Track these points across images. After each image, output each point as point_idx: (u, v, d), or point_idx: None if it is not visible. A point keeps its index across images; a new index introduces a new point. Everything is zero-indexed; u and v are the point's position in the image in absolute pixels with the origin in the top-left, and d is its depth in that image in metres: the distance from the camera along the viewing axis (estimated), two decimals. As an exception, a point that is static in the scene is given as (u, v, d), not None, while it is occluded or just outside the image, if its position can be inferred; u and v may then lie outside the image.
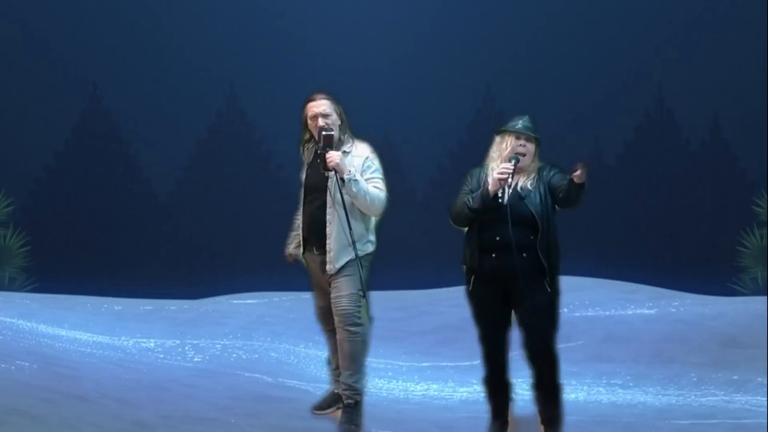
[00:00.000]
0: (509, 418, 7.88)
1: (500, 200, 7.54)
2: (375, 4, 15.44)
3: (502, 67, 15.50)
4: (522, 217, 7.55)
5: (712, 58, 15.41)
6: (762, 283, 15.19)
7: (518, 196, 7.60)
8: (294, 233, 8.18)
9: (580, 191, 7.55)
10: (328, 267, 7.84)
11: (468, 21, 15.45)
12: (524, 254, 7.51)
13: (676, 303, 12.57)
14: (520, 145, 7.67)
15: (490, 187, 7.58)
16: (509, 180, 7.54)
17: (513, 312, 7.66)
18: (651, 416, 9.77)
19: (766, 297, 12.72)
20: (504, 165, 7.60)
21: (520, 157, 7.65)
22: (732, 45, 15.38)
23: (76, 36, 15.20)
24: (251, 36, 15.34)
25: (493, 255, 7.56)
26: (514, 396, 7.91)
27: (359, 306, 7.84)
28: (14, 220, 15.09)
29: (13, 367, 9.32)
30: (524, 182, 7.67)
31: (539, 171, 7.74)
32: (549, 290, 7.57)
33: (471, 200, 7.66)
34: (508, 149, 7.69)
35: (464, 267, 7.75)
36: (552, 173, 7.72)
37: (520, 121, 7.74)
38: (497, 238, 7.55)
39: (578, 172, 7.46)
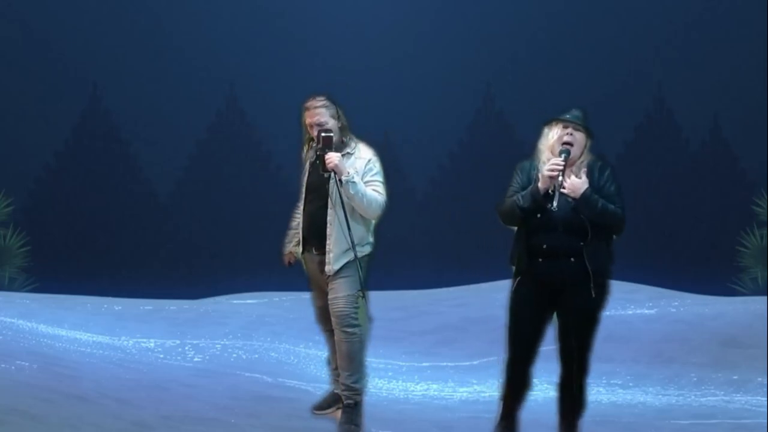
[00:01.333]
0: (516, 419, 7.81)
1: (550, 206, 7.22)
2: (375, 4, 15.44)
3: (502, 67, 15.50)
4: (571, 224, 7.27)
5: (712, 58, 15.41)
6: (762, 283, 15.19)
7: (567, 203, 7.26)
8: (293, 231, 8.16)
9: (586, 207, 7.28)
10: (326, 268, 7.83)
11: (468, 21, 15.45)
12: (572, 259, 7.27)
13: (676, 303, 12.57)
14: (568, 134, 7.35)
15: (540, 185, 7.27)
16: (560, 177, 7.24)
17: (555, 315, 7.45)
18: (651, 416, 9.77)
19: (766, 297, 12.71)
20: (554, 161, 7.27)
21: (570, 148, 7.32)
22: (732, 45, 15.38)
23: (76, 36, 15.20)
24: (251, 36, 15.34)
25: (540, 260, 7.32)
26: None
27: (356, 307, 7.83)
28: (14, 220, 15.10)
29: (13, 367, 9.32)
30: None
31: (590, 168, 7.40)
32: (594, 295, 7.39)
33: (521, 199, 7.33)
34: (555, 138, 7.37)
35: (512, 267, 7.53)
36: (605, 182, 7.39)
37: (571, 111, 7.44)
38: (544, 246, 7.29)
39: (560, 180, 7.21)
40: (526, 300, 7.43)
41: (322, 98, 7.98)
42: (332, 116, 7.94)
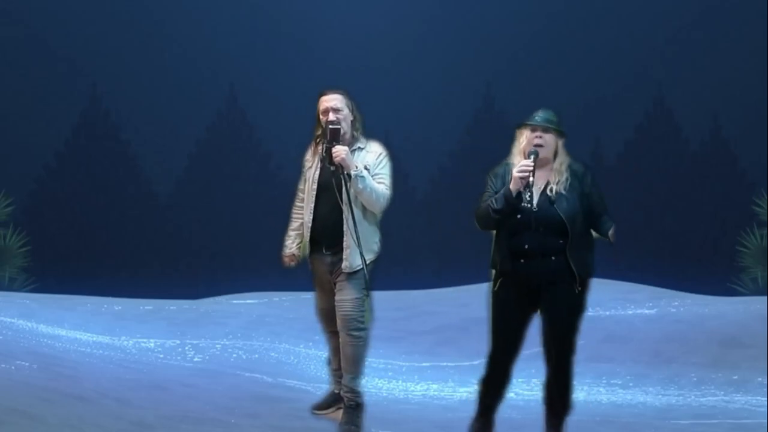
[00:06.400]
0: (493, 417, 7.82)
1: (528, 204, 7.36)
2: (375, 4, 15.45)
3: (502, 67, 15.52)
4: (551, 222, 7.38)
5: (712, 58, 15.43)
6: (762, 283, 15.20)
7: (548, 201, 7.40)
8: (294, 233, 8.10)
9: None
10: (344, 265, 7.76)
11: (468, 21, 15.47)
12: (553, 258, 7.38)
13: (676, 303, 12.57)
14: (537, 136, 7.45)
15: (511, 186, 7.39)
16: (531, 178, 7.36)
17: (537, 314, 7.50)
18: (651, 416, 9.77)
19: (766, 297, 12.71)
20: (524, 162, 7.39)
21: (539, 150, 7.44)
22: (732, 45, 15.39)
23: (76, 36, 15.21)
24: (251, 36, 15.36)
25: (522, 261, 7.41)
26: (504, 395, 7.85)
27: (362, 310, 7.80)
28: (14, 220, 15.10)
29: (13, 367, 9.32)
30: (554, 184, 7.46)
31: (572, 172, 7.50)
32: (577, 293, 7.45)
33: (495, 202, 7.46)
34: (525, 142, 7.50)
35: (492, 270, 7.59)
36: (591, 189, 7.50)
37: (539, 113, 7.55)
38: (526, 246, 7.38)
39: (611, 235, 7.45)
40: (508, 300, 7.54)
41: (340, 89, 8.00)
42: (347, 106, 7.94)
